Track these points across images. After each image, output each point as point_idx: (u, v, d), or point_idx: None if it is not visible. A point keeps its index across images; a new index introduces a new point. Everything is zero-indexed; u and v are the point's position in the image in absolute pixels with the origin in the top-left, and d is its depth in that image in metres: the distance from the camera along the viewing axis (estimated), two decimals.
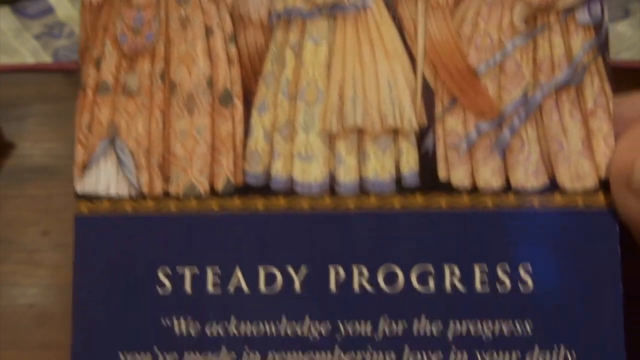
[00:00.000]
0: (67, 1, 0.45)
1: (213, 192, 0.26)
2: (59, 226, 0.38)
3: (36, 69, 0.43)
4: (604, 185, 0.25)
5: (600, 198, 0.25)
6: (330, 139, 0.26)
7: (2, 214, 0.39)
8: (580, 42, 0.26)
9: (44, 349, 0.36)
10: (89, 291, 0.25)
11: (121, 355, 0.25)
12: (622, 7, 0.42)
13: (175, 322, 0.25)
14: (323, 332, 0.25)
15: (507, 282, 0.25)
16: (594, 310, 0.25)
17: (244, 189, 0.26)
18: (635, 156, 0.24)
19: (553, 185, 0.25)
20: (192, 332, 0.25)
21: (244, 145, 0.26)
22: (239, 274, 0.25)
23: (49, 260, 0.38)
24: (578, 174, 0.25)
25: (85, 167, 0.26)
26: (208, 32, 0.26)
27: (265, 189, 0.26)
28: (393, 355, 0.25)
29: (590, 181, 0.25)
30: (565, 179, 0.25)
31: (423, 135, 0.26)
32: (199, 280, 0.25)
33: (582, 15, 0.26)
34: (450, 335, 0.25)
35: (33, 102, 0.42)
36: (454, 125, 0.26)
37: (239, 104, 0.26)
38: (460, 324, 0.25)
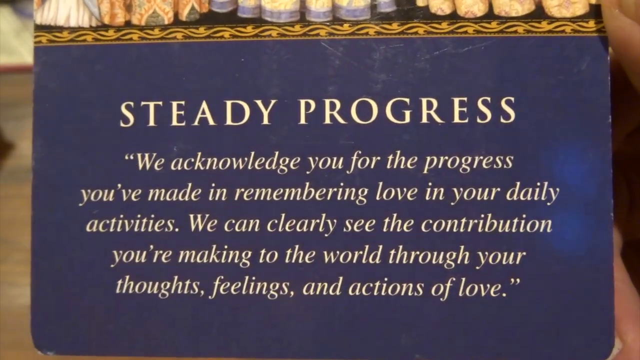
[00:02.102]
0: None
1: (177, 20, 0.24)
2: None
3: None
4: (595, 12, 0.23)
5: (591, 25, 0.23)
6: None
7: (2, 214, 0.39)
8: None
9: None
10: (49, 126, 0.24)
11: (84, 193, 0.24)
12: None
13: (139, 157, 0.24)
14: (292, 167, 0.24)
15: (488, 114, 0.23)
16: (581, 145, 0.23)
17: (210, 17, 0.24)
18: None
19: (540, 12, 0.23)
20: (157, 167, 0.24)
21: None
22: (205, 106, 0.24)
23: None
24: (568, 0, 0.23)
25: None
26: None
27: (232, 17, 0.24)
28: (366, 192, 0.24)
29: (580, 8, 0.23)
30: (552, 5, 0.23)
31: None
32: (163, 114, 0.24)
33: None
34: (426, 170, 0.23)
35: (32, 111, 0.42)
36: None
37: None
38: (437, 158, 0.23)
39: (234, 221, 0.24)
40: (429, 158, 0.23)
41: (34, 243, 0.24)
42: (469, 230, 0.23)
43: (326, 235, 0.24)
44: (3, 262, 0.38)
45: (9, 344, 0.36)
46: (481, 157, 0.23)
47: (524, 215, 0.23)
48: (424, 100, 0.23)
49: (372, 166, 0.23)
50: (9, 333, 0.36)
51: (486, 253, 0.23)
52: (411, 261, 0.23)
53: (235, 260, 0.24)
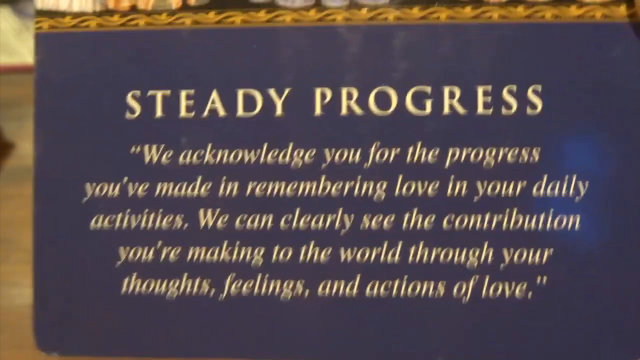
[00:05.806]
0: None
1: (185, 5, 0.23)
2: None
3: None
4: None
5: (622, 10, 0.22)
6: None
7: (2, 214, 0.38)
8: None
9: None
10: (51, 117, 0.23)
11: (88, 187, 0.23)
12: None
13: (146, 149, 0.23)
14: (307, 160, 0.23)
15: (514, 104, 0.22)
16: (612, 137, 0.22)
17: (220, 2, 0.23)
18: None
19: None
20: (165, 160, 0.23)
21: None
22: (215, 96, 0.23)
23: None
24: None
25: None
26: None
27: (243, 1, 0.23)
28: (384, 186, 0.22)
29: None
30: None
31: None
32: (171, 104, 0.23)
33: None
34: (448, 163, 0.22)
35: (33, 102, 0.41)
36: None
37: None
38: (460, 150, 0.22)
39: (246, 217, 0.23)
40: (451, 150, 0.22)
41: (35, 240, 0.23)
42: (493, 226, 0.22)
43: (343, 231, 0.22)
44: (3, 262, 0.38)
45: (9, 344, 0.36)
46: (506, 150, 0.22)
47: (551, 211, 0.22)
48: (447, 89, 0.22)
49: (391, 159, 0.22)
50: (9, 333, 0.36)
51: (511, 251, 0.22)
52: (432, 259, 0.22)
53: (247, 258, 0.23)
